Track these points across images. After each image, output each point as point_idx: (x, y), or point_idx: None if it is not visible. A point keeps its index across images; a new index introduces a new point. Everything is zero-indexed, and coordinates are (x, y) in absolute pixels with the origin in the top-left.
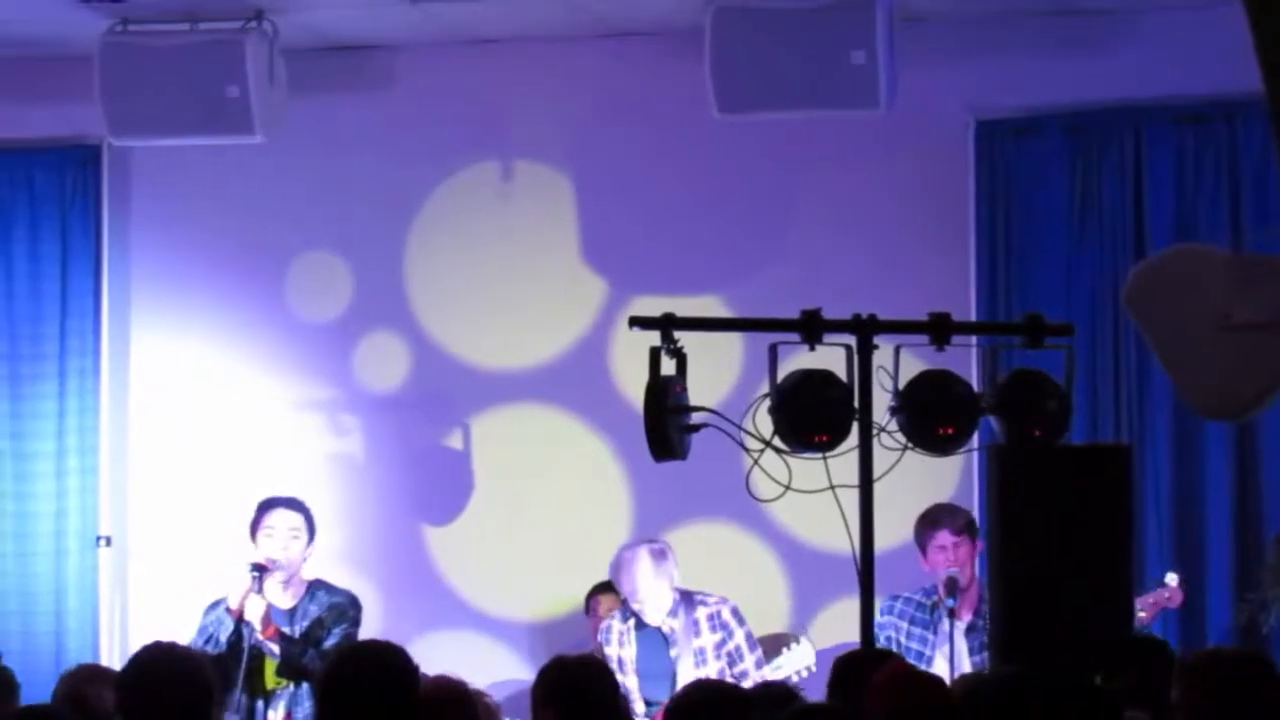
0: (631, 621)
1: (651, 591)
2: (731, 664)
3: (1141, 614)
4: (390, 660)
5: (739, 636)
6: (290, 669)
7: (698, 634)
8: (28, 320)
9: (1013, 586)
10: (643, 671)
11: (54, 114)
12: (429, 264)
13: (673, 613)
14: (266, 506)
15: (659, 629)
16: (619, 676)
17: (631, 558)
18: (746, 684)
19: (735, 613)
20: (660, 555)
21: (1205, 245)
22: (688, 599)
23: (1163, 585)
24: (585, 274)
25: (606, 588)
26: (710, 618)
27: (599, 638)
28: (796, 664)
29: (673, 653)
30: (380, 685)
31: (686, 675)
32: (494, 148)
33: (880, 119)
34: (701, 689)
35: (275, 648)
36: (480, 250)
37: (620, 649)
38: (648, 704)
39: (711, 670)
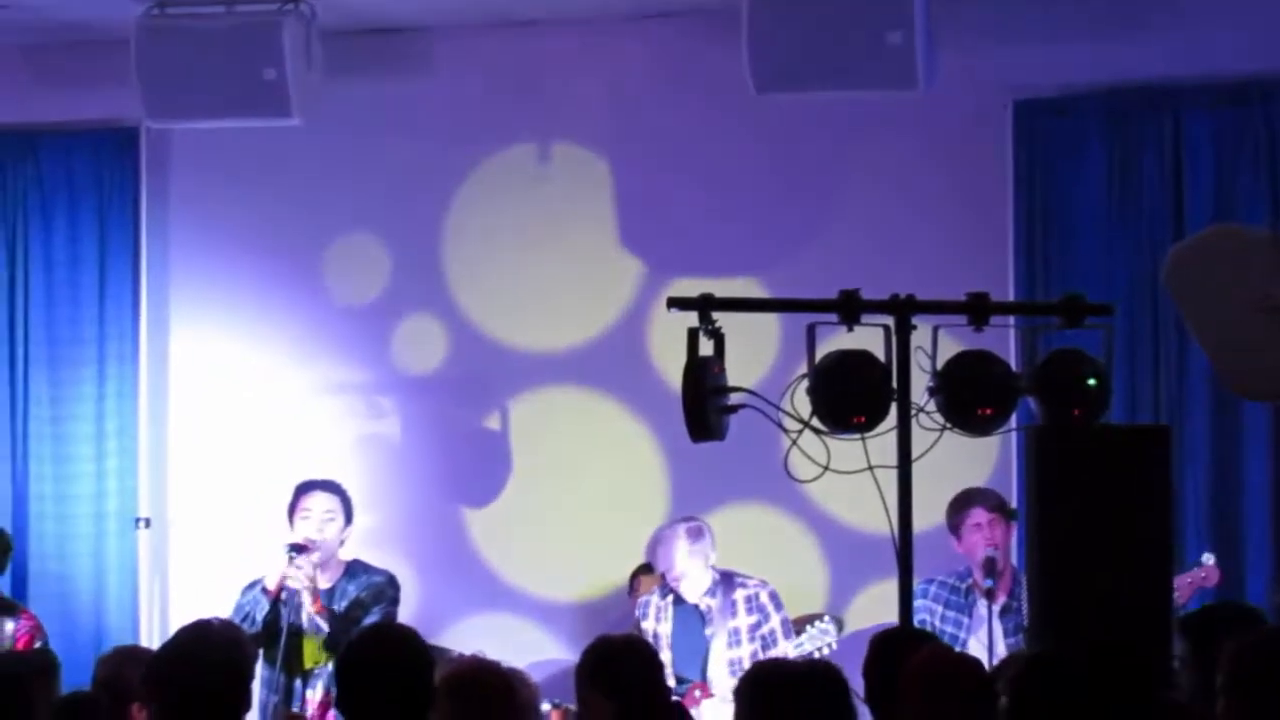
0: (670, 598)
1: (687, 568)
2: (765, 648)
3: (1177, 594)
4: (404, 644)
5: (774, 621)
6: (336, 646)
7: (734, 614)
8: (67, 303)
9: (1051, 567)
10: (676, 648)
11: (91, 97)
12: (466, 246)
13: (711, 592)
14: (303, 489)
15: (696, 607)
16: None
17: (669, 535)
18: None
19: (773, 597)
20: (696, 533)
21: (1244, 225)
22: (727, 580)
23: (1199, 565)
24: (623, 255)
25: (650, 568)
26: (748, 600)
27: (636, 613)
28: (818, 641)
29: (707, 631)
30: (395, 669)
31: (719, 654)
32: (531, 129)
33: (918, 99)
34: (768, 668)
35: (323, 623)
36: (518, 232)
37: (657, 624)
38: (679, 680)
39: (745, 652)
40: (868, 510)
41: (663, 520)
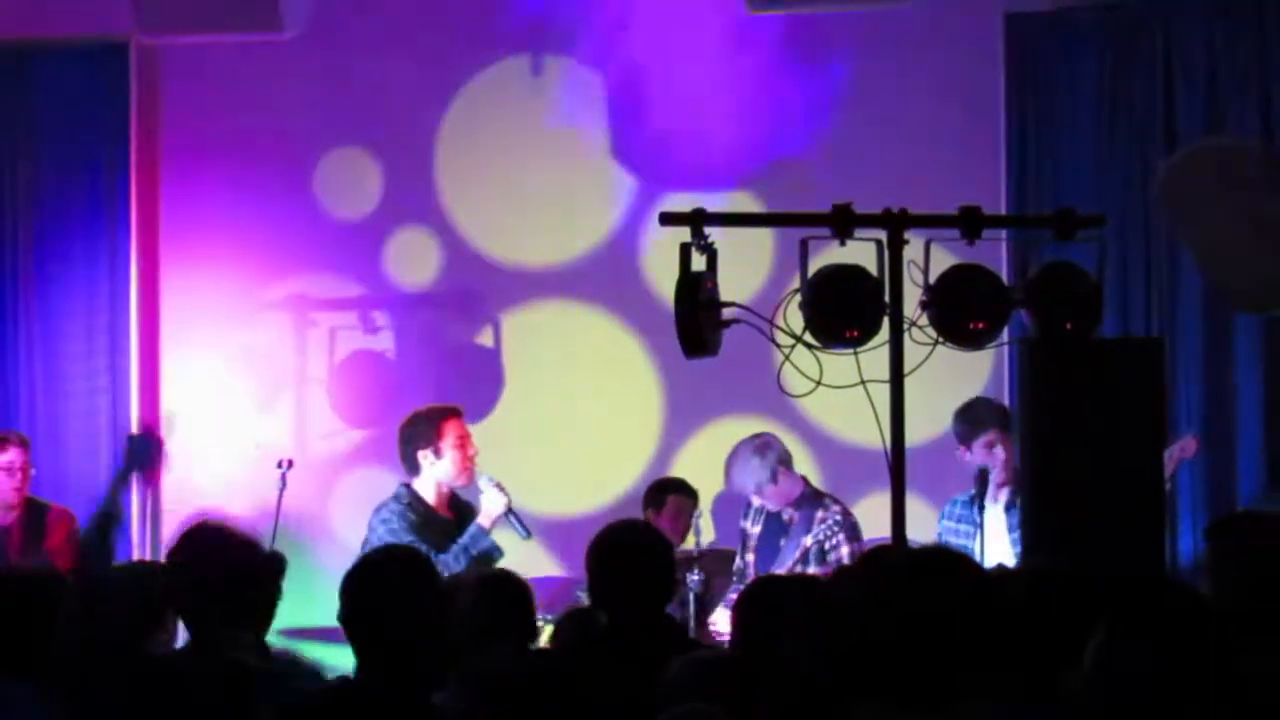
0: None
1: (747, 483)
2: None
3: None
4: (407, 564)
5: (844, 551)
6: None
7: (808, 530)
8: (56, 217)
9: (1044, 480)
10: (759, 551)
11: (82, 11)
12: (459, 160)
13: (797, 504)
14: (449, 414)
15: (780, 515)
16: (740, 552)
17: (733, 455)
18: None
19: (852, 527)
20: (759, 449)
21: (1235, 139)
22: (817, 497)
23: (1177, 439)
24: (615, 170)
25: (676, 486)
26: (821, 520)
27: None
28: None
29: (782, 541)
30: (399, 586)
31: (786, 566)
32: (524, 43)
33: (910, 13)
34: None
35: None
36: (510, 146)
37: (751, 526)
38: None
39: (812, 569)
40: (861, 424)
41: (657, 434)
